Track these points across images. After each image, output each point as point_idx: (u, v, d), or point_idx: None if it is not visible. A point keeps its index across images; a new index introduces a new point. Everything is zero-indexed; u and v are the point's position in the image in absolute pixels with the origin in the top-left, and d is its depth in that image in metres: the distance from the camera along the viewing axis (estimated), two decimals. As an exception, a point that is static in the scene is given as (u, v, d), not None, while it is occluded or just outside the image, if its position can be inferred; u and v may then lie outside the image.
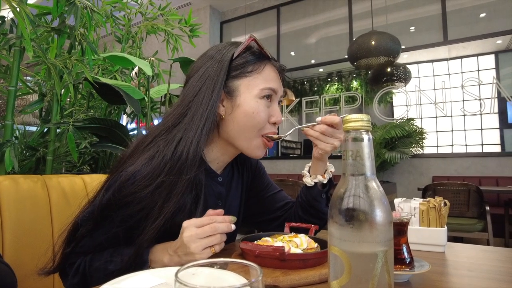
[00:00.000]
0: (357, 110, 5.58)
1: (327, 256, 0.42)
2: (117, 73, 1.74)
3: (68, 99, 1.54)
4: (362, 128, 0.41)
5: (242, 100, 0.79)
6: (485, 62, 6.25)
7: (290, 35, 6.16)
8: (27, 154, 1.31)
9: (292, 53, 6.30)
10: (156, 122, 1.86)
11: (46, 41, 1.38)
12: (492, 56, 6.22)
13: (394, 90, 5.46)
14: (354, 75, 7.61)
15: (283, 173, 5.51)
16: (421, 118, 5.21)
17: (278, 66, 0.85)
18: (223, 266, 0.38)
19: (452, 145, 6.31)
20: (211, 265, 0.37)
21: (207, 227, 0.65)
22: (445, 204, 0.87)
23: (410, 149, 4.62)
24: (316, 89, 8.10)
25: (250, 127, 0.79)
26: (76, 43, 1.26)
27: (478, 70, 6.25)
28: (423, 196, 3.15)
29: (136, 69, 1.86)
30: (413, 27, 5.20)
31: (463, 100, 4.84)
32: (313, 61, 6.09)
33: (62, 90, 1.29)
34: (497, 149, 6.02)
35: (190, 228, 0.65)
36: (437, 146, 6.43)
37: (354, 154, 0.41)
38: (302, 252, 0.67)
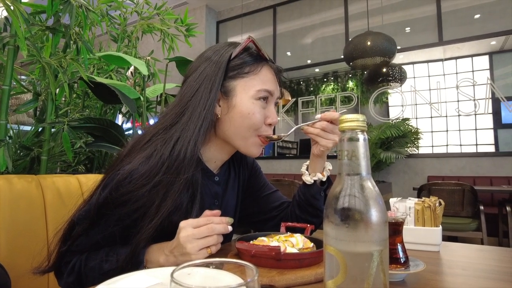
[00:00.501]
0: (353, 110, 5.61)
1: (322, 256, 0.42)
2: (113, 73, 1.73)
3: (63, 99, 1.53)
4: (358, 128, 0.41)
5: (238, 100, 0.79)
6: (480, 63, 6.31)
7: (286, 35, 6.16)
8: (21, 153, 1.30)
9: (288, 53, 6.30)
10: (152, 121, 1.86)
11: (41, 40, 1.37)
12: (487, 57, 6.28)
13: (389, 90, 5.49)
14: (350, 75, 7.64)
15: (279, 173, 5.51)
16: (416, 118, 5.23)
17: (275, 68, 0.86)
18: (219, 266, 0.38)
19: (447, 145, 6.36)
20: (206, 265, 0.37)
21: (203, 228, 0.65)
22: (440, 203, 0.88)
23: (406, 149, 4.65)
24: (312, 89, 8.12)
25: (245, 128, 0.79)
26: (71, 42, 1.25)
27: (473, 71, 6.30)
28: (418, 196, 3.17)
29: (131, 68, 1.85)
30: (409, 28, 5.23)
31: (458, 101, 4.87)
32: (309, 61, 6.10)
33: (57, 90, 1.28)
34: (491, 149, 6.07)
35: (187, 228, 0.65)
36: (432, 146, 6.47)
37: (350, 154, 0.41)
38: (298, 251, 0.67)
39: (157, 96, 1.90)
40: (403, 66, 4.43)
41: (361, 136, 0.41)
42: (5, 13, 1.08)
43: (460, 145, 6.31)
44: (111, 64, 1.70)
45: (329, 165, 0.95)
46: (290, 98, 5.83)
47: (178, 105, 0.79)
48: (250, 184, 1.03)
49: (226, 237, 0.88)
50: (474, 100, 4.38)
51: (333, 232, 0.40)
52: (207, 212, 0.70)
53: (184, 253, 0.65)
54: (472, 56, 6.33)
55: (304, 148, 7.10)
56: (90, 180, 1.11)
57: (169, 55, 1.81)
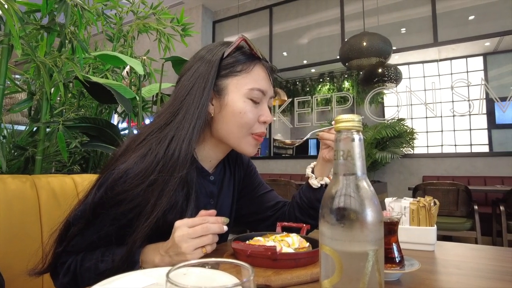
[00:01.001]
0: (349, 110, 5.62)
1: (318, 256, 0.42)
2: (108, 72, 1.72)
3: (58, 98, 1.52)
4: (353, 128, 0.41)
5: (230, 99, 0.79)
6: (474, 63, 6.36)
7: (282, 35, 6.17)
8: (15, 153, 1.29)
9: (285, 53, 6.31)
10: (147, 121, 1.85)
11: (36, 39, 1.36)
12: (481, 58, 6.33)
13: (385, 91, 5.52)
14: (346, 76, 7.66)
15: (276, 173, 5.52)
16: (411, 118, 5.26)
17: (268, 67, 0.85)
18: (215, 266, 0.38)
19: (442, 145, 6.40)
20: (202, 265, 0.37)
21: (199, 227, 0.65)
22: (435, 203, 0.89)
23: (401, 149, 4.67)
24: (308, 89, 8.13)
25: (238, 126, 0.79)
26: (67, 41, 1.24)
27: (467, 72, 6.35)
28: (414, 196, 3.19)
29: (127, 68, 1.84)
30: (404, 29, 5.26)
31: (453, 101, 4.91)
32: (305, 62, 6.11)
33: (52, 89, 1.27)
34: (485, 149, 6.12)
35: (182, 228, 0.65)
36: (427, 146, 6.51)
37: (345, 154, 0.41)
38: (293, 251, 0.67)
39: (153, 95, 1.89)
40: (398, 67, 4.45)
41: (356, 136, 0.41)
42: (-1, 12, 1.07)
43: (455, 145, 6.35)
44: (107, 64, 1.69)
45: None
46: (286, 98, 5.83)
47: (172, 104, 0.80)
48: (245, 183, 1.03)
49: (222, 237, 0.88)
50: (469, 100, 4.42)
51: (329, 232, 0.40)
52: (202, 212, 0.70)
53: (179, 253, 0.64)
54: (466, 57, 6.38)
55: (300, 149, 7.11)
56: (86, 180, 1.10)
57: (165, 55, 1.80)
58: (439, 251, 0.84)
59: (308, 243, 0.72)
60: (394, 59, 5.33)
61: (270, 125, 5.98)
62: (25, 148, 1.25)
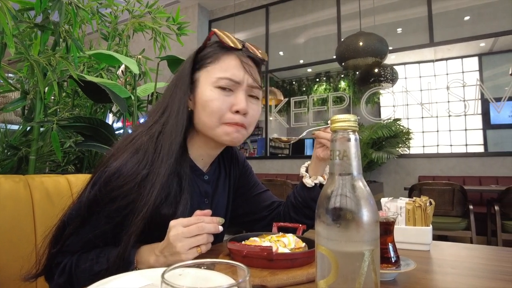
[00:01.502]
0: (345, 110, 5.63)
1: (314, 256, 0.42)
2: (103, 71, 1.71)
3: (52, 97, 1.50)
4: (349, 128, 0.41)
5: (200, 90, 0.80)
6: (469, 64, 6.39)
7: (279, 34, 6.17)
8: (8, 153, 1.27)
9: (281, 53, 6.31)
10: (142, 120, 1.84)
11: (29, 38, 1.34)
12: (476, 59, 6.37)
13: (381, 91, 5.53)
14: (342, 76, 7.68)
15: (272, 173, 5.52)
16: (407, 118, 5.28)
17: (244, 55, 0.81)
18: (210, 267, 0.37)
19: (437, 146, 6.43)
20: (198, 265, 0.36)
21: (193, 227, 0.65)
22: (431, 203, 0.89)
23: (397, 149, 4.69)
24: (304, 89, 8.14)
25: (207, 116, 0.79)
26: (61, 40, 1.23)
27: (463, 72, 6.38)
28: (409, 196, 3.20)
29: (122, 67, 1.83)
30: (400, 29, 5.28)
31: (448, 101, 4.93)
32: (301, 61, 6.12)
33: (46, 88, 1.26)
34: (481, 149, 6.16)
35: (177, 227, 0.65)
36: (423, 146, 6.54)
37: (341, 154, 0.41)
38: (289, 251, 0.67)
39: (148, 95, 1.88)
40: (394, 67, 4.47)
41: (352, 136, 0.41)
42: (-8, 10, 1.06)
43: (451, 145, 6.39)
44: (102, 63, 1.68)
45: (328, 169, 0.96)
46: (282, 98, 5.84)
47: (159, 103, 0.83)
48: (241, 183, 1.03)
49: (217, 238, 0.87)
50: (464, 101, 4.44)
51: (325, 232, 0.40)
52: (198, 212, 0.70)
53: (174, 253, 0.64)
54: (462, 57, 6.42)
55: (296, 149, 7.12)
56: (80, 180, 1.09)
57: (161, 54, 1.79)
58: (435, 250, 0.84)
59: (304, 243, 0.72)
60: (390, 59, 5.35)
61: (266, 125, 5.99)
62: (19, 147, 1.24)
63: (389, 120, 4.87)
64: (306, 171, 0.96)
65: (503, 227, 3.05)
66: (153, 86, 1.75)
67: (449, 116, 5.59)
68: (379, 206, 0.58)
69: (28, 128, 1.32)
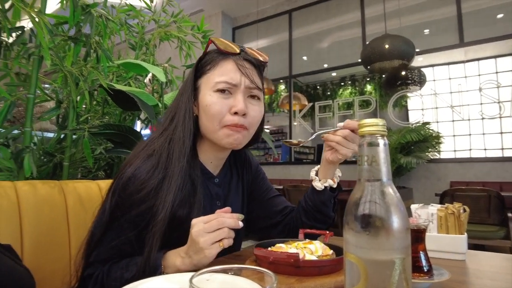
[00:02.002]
0: (372, 114, 5.52)
1: (342, 263, 0.41)
2: (131, 80, 1.77)
3: (84, 106, 1.57)
4: (378, 132, 0.40)
5: (201, 96, 0.83)
6: (504, 64, 6.09)
7: (302, 39, 6.15)
8: (44, 160, 1.34)
9: (305, 58, 6.29)
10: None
11: (63, 50, 1.41)
12: (511, 58, 6.06)
13: (409, 94, 5.38)
14: (368, 79, 7.54)
15: (297, 179, 5.48)
16: (437, 122, 5.10)
17: (242, 59, 0.83)
18: (237, 272, 0.37)
19: (470, 150, 6.16)
20: (225, 271, 0.36)
21: (214, 221, 0.67)
22: (465, 210, 0.85)
23: (426, 153, 4.53)
24: (329, 93, 8.06)
25: (209, 120, 0.81)
26: (92, 51, 1.28)
27: (497, 72, 6.09)
28: (441, 202, 3.07)
29: (149, 75, 1.88)
30: (428, 30, 5.13)
31: (481, 103, 4.72)
32: (325, 65, 6.07)
33: (78, 97, 1.32)
34: (518, 153, 5.84)
35: (198, 224, 0.67)
36: (455, 151, 6.28)
37: (370, 159, 0.40)
38: (317, 259, 0.66)
39: (175, 102, 1.92)
40: (422, 69, 4.34)
41: (381, 141, 0.40)
42: (30, 25, 1.13)
43: (485, 149, 6.09)
44: (130, 72, 1.74)
45: (339, 172, 0.95)
46: (306, 103, 5.80)
47: (168, 111, 0.88)
48: (254, 187, 1.04)
49: (235, 245, 0.88)
50: (499, 102, 4.23)
51: (354, 239, 0.39)
52: (217, 210, 0.72)
53: (197, 250, 0.66)
54: (495, 57, 6.13)
55: (320, 154, 7.03)
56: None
57: (186, 62, 1.83)
58: (471, 260, 0.80)
59: (331, 251, 0.71)
60: (417, 61, 5.20)
61: (290, 130, 5.96)
62: (54, 154, 1.30)
63: (418, 124, 4.72)
64: (316, 174, 0.95)
65: (546, 236, 2.85)
66: (179, 93, 1.78)
67: (482, 118, 5.35)
68: (409, 213, 0.56)
69: (62, 135, 1.38)
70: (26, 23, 1.16)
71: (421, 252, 0.65)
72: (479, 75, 6.15)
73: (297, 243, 0.73)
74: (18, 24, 1.19)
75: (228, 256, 0.83)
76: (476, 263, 0.78)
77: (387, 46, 3.74)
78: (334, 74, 7.46)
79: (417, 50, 4.03)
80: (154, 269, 0.69)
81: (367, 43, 4.26)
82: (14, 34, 1.16)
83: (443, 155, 5.02)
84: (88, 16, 1.20)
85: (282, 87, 7.54)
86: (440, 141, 4.69)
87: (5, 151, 1.09)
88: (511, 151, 5.88)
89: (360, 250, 0.38)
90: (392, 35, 3.92)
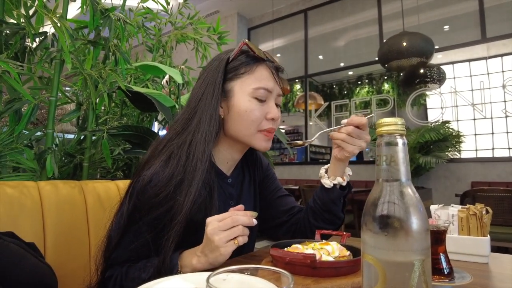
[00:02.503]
0: (389, 113, 5.42)
1: (360, 265, 0.41)
2: (149, 82, 1.80)
3: (103, 108, 1.60)
4: (396, 132, 0.39)
5: (236, 100, 0.83)
6: (529, 59, 5.87)
7: (318, 38, 6.11)
8: (65, 160, 1.38)
9: (321, 57, 6.24)
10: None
11: (83, 53, 1.45)
12: (536, 53, 5.84)
13: (427, 92, 5.25)
14: (386, 78, 7.41)
15: (313, 179, 5.44)
16: (457, 120, 4.96)
17: (273, 66, 0.87)
18: (254, 273, 0.37)
19: (493, 149, 5.96)
20: (241, 271, 0.37)
21: (228, 219, 0.67)
22: (487, 211, 0.82)
23: (446, 153, 4.42)
24: (345, 92, 7.96)
25: (246, 125, 0.82)
26: (110, 53, 1.31)
27: (521, 68, 5.88)
28: (462, 203, 2.99)
29: (167, 77, 1.91)
30: (447, 26, 5.00)
31: (505, 101, 4.56)
32: (342, 64, 6.00)
33: (97, 99, 1.35)
34: (544, 152, 5.61)
35: (213, 222, 0.68)
36: (476, 150, 6.09)
37: (388, 159, 0.39)
38: (333, 260, 0.65)
39: (190, 103, 1.94)
40: (442, 66, 4.23)
41: (400, 141, 0.39)
42: (52, 30, 1.16)
43: (509, 148, 5.88)
44: (147, 74, 1.77)
45: (349, 171, 0.93)
46: (322, 102, 5.75)
47: (186, 111, 0.85)
48: (263, 186, 1.04)
49: (250, 243, 0.88)
50: (523, 100, 4.08)
51: (372, 241, 0.38)
52: (231, 208, 0.72)
53: (213, 248, 0.66)
54: (520, 52, 5.92)
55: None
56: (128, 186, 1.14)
57: (202, 64, 1.85)
58: (494, 263, 0.78)
59: (348, 252, 0.70)
60: (437, 58, 5.08)
61: (306, 130, 5.93)
62: (74, 155, 1.33)
63: (437, 123, 4.61)
64: (326, 172, 0.94)
65: None
66: (195, 94, 1.80)
67: (506, 116, 5.17)
68: (428, 214, 0.55)
69: (82, 137, 1.42)
70: (49, 28, 1.20)
71: (441, 254, 0.63)
72: (502, 71, 5.94)
73: (313, 244, 0.73)
74: (41, 30, 1.23)
75: (244, 256, 0.84)
76: (499, 266, 0.76)
77: (405, 43, 3.67)
78: (350, 73, 7.37)
79: (436, 47, 3.94)
80: (171, 269, 0.70)
81: (384, 41, 4.19)
82: (37, 39, 1.20)
83: (463, 155, 4.88)
84: (107, 20, 1.22)
85: (297, 86, 7.51)
86: (460, 140, 4.56)
87: (29, 152, 1.13)
88: (537, 150, 5.66)
89: (378, 251, 0.37)
90: (410, 32, 3.85)
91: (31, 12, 1.19)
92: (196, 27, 1.82)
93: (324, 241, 0.75)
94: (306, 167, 5.77)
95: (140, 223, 0.74)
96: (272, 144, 1.82)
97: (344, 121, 0.84)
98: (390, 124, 0.40)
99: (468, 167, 4.44)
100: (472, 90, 5.57)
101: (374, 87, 7.59)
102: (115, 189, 1.11)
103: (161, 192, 0.73)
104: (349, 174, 0.93)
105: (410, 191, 0.38)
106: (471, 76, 6.21)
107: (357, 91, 7.80)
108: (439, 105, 4.69)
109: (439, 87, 4.26)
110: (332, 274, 0.61)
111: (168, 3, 1.79)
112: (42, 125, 1.40)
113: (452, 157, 4.52)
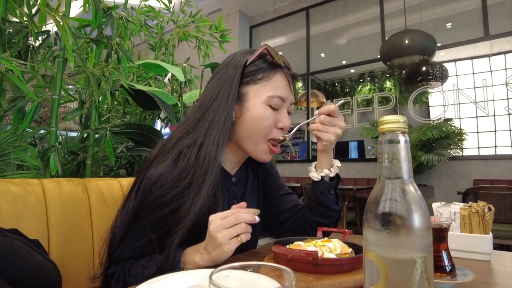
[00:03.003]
0: (391, 111, 5.41)
1: (362, 262, 0.41)
2: (151, 80, 1.80)
3: (106, 106, 1.61)
4: (398, 129, 0.40)
5: (250, 105, 0.82)
6: (532, 57, 5.84)
7: (319, 36, 6.09)
8: (69, 158, 1.38)
9: (322, 55, 6.23)
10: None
11: (86, 51, 1.45)
12: (540, 51, 5.80)
13: (430, 90, 5.24)
14: (387, 75, 7.39)
15: (314, 176, 5.42)
16: (459, 118, 4.95)
17: (289, 74, 0.87)
18: (256, 270, 0.38)
19: (495, 147, 5.95)
20: (244, 268, 0.37)
21: (231, 217, 0.67)
22: (490, 209, 0.82)
23: (448, 151, 4.40)
24: (347, 90, 7.95)
25: (256, 131, 0.82)
26: (113, 52, 1.31)
27: (524, 66, 5.85)
28: (464, 201, 2.98)
29: (169, 75, 1.91)
30: (450, 24, 4.98)
31: (508, 98, 4.54)
32: (344, 62, 5.99)
33: (100, 97, 1.35)
34: (547, 150, 5.59)
35: (215, 220, 0.68)
36: (478, 148, 6.08)
37: (390, 157, 0.39)
38: (335, 257, 0.65)
39: (194, 101, 1.95)
40: (444, 64, 4.21)
41: (402, 138, 0.40)
42: (55, 29, 1.17)
43: (511, 146, 5.87)
44: (150, 72, 1.77)
45: (337, 162, 0.93)
46: (324, 100, 5.74)
47: (198, 110, 0.84)
48: (266, 184, 1.04)
49: (252, 240, 0.88)
50: (526, 97, 4.06)
51: (374, 238, 0.38)
52: (233, 206, 0.72)
53: (216, 246, 0.66)
54: (523, 50, 5.88)
55: (339, 151, 6.95)
56: (131, 183, 1.15)
57: (205, 62, 1.85)
58: (496, 261, 0.78)
59: (350, 249, 0.70)
60: (439, 56, 5.06)
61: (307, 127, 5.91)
62: (77, 153, 1.34)
63: (439, 121, 4.59)
64: (315, 167, 0.94)
65: None
66: (198, 92, 1.81)
67: (509, 114, 5.15)
68: (430, 211, 0.55)
69: (85, 134, 1.43)
70: (51, 27, 1.20)
71: (443, 251, 0.64)
72: (505, 69, 5.91)
73: (315, 241, 0.73)
74: (44, 28, 1.23)
75: (246, 253, 0.84)
76: (501, 264, 0.76)
77: (407, 41, 3.66)
78: (352, 70, 7.35)
79: (438, 44, 3.92)
80: (174, 265, 0.70)
81: (386, 38, 4.18)
82: (40, 38, 1.21)
83: (466, 153, 4.87)
84: (109, 18, 1.22)
85: (299, 84, 7.50)
86: (462, 138, 4.55)
87: (33, 150, 1.13)
88: (540, 148, 5.64)
89: (380, 249, 0.38)
90: (412, 30, 3.83)
91: (34, 10, 1.19)
92: (198, 26, 1.83)
93: (326, 238, 0.75)
94: (308, 164, 5.75)
95: (145, 222, 0.74)
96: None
97: (316, 112, 0.85)
98: (392, 121, 0.40)
99: (470, 165, 4.43)
100: (474, 87, 5.54)
101: (376, 85, 7.58)
102: (118, 186, 1.12)
103: (168, 192, 0.73)
104: (337, 166, 0.92)
105: (412, 188, 0.39)
106: (473, 73, 6.18)
107: (359, 89, 7.78)
108: (441, 102, 4.68)
109: (441, 84, 4.24)
110: (334, 271, 0.62)
111: (170, 1, 1.80)
112: (46, 123, 1.41)
113: (454, 154, 4.50)
